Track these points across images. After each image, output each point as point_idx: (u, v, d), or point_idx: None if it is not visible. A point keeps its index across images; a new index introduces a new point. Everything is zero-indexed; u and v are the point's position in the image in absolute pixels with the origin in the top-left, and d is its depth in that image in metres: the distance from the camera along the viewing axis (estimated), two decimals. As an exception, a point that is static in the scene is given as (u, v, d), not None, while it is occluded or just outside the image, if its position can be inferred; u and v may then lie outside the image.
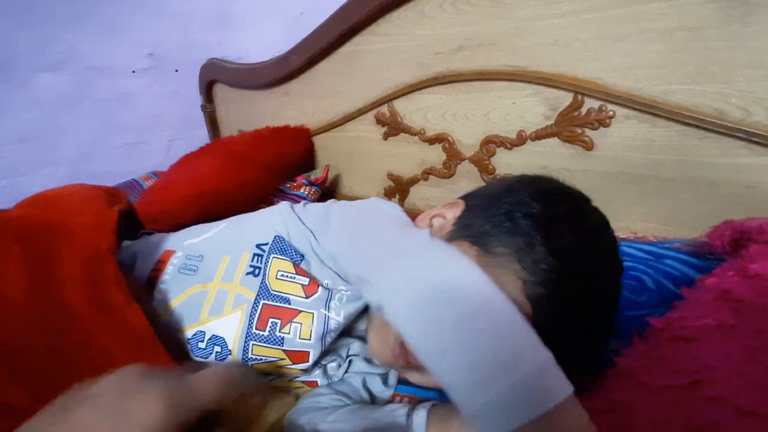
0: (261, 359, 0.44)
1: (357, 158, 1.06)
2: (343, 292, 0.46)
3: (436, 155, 0.89)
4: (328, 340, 0.45)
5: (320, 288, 0.45)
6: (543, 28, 0.66)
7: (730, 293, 0.32)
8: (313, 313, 0.44)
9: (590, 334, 0.37)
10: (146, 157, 1.57)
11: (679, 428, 0.28)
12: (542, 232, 0.37)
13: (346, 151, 1.08)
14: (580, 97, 0.65)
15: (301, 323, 0.44)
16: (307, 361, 0.44)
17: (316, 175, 1.02)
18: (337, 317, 0.44)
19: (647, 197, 0.63)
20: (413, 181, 0.95)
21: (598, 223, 0.41)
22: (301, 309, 0.44)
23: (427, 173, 0.92)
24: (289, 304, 0.44)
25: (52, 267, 0.38)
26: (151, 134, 1.54)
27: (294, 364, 0.44)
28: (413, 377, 0.42)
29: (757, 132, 0.52)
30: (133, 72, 1.49)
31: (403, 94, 0.90)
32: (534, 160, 0.73)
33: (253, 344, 0.43)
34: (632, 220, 0.65)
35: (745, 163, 0.55)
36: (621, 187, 0.65)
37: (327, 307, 0.45)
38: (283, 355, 0.44)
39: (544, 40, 0.67)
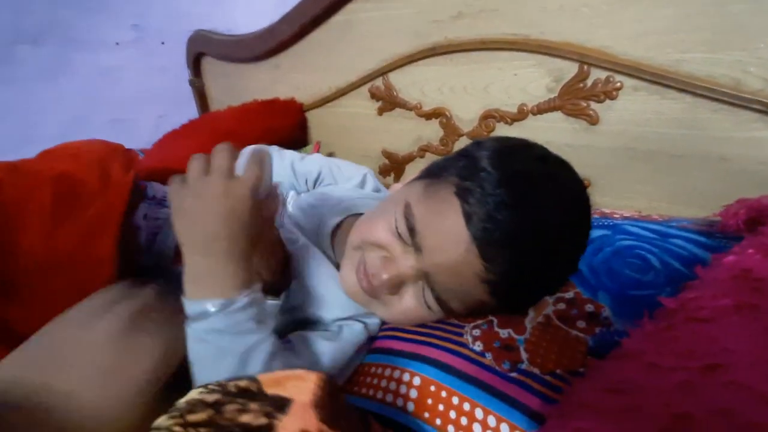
0: None
1: (351, 134, 1.02)
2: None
3: (432, 131, 0.85)
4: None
5: None
6: (548, -8, 0.62)
7: (751, 272, 0.30)
8: None
9: (540, 257, 0.37)
10: (133, 134, 1.51)
11: (694, 412, 0.25)
12: (491, 156, 0.39)
13: (340, 127, 1.04)
14: (586, 67, 0.61)
15: None
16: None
17: (307, 152, 0.98)
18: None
19: (654, 174, 0.60)
20: (409, 158, 0.92)
21: (554, 158, 0.42)
22: None
23: (423, 150, 0.88)
24: None
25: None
26: (137, 110, 1.48)
27: None
28: (379, 310, 0.45)
29: (775, 103, 0.49)
30: (117, 44, 1.42)
31: (399, 67, 0.85)
32: (535, 136, 0.68)
33: None
34: (637, 198, 0.62)
35: (760, 137, 0.52)
36: (627, 163, 0.62)
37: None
38: None
39: (549, 5, 0.62)
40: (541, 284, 0.41)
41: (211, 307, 0.35)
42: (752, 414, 0.22)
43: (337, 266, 0.51)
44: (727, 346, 0.26)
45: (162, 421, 0.23)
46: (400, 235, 0.41)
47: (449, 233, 0.37)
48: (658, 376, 0.26)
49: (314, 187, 0.71)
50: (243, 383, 0.26)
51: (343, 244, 0.51)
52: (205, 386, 0.26)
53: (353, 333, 0.47)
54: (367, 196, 0.66)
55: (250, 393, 0.25)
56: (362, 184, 0.69)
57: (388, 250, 0.42)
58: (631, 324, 0.39)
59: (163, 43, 1.47)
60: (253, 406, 0.24)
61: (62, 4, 1.28)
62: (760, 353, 0.25)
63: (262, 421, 0.23)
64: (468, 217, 0.37)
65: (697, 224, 0.51)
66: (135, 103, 1.46)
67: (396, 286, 0.41)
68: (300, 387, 0.26)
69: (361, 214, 0.55)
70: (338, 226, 0.55)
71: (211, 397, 0.25)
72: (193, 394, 0.25)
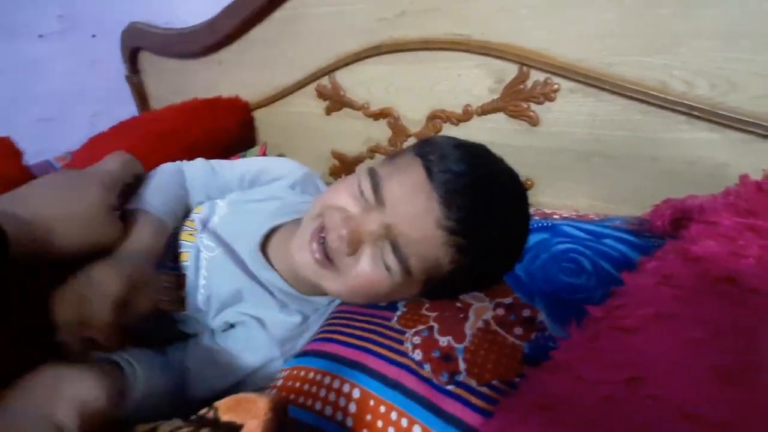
0: None
1: (299, 135, 0.98)
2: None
3: (381, 131, 0.83)
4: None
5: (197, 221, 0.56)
6: (489, -8, 0.62)
7: (671, 278, 0.30)
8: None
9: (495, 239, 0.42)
10: (64, 134, 1.39)
11: (617, 428, 0.25)
12: (442, 137, 0.45)
13: (288, 128, 1.00)
14: (525, 69, 0.62)
15: None
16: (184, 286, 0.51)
17: (253, 155, 0.94)
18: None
19: (590, 174, 0.62)
20: (359, 159, 0.90)
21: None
22: None
23: (372, 151, 0.86)
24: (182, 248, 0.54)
25: None
26: (68, 108, 1.36)
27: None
28: (330, 283, 0.45)
29: (698, 105, 0.51)
30: (41, 36, 1.30)
31: (345, 65, 0.83)
32: (480, 136, 0.67)
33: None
34: (576, 198, 0.63)
35: (686, 138, 0.54)
36: (565, 164, 0.63)
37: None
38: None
39: (490, 5, 0.62)
40: (491, 248, 0.42)
41: None
42: (669, 429, 0.22)
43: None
44: (649, 357, 0.26)
45: None
46: (363, 196, 0.43)
47: (412, 184, 0.41)
48: (584, 390, 0.26)
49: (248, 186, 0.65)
50: (202, 411, 0.27)
51: (280, 248, 0.52)
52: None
53: (251, 339, 0.49)
54: (297, 201, 0.61)
55: (205, 420, 0.26)
56: (294, 186, 0.63)
57: (347, 210, 0.43)
58: (564, 330, 0.39)
59: (94, 35, 1.36)
60: (205, 429, 0.25)
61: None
62: (678, 364, 0.25)
63: None
64: (428, 171, 0.41)
65: (628, 223, 0.52)
66: (64, 100, 1.35)
67: (355, 243, 0.41)
68: (251, 412, 0.26)
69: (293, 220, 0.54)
70: (269, 235, 0.53)
71: (169, 426, 0.27)
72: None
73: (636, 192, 0.60)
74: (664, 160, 0.56)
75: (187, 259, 0.52)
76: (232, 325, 0.51)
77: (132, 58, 1.31)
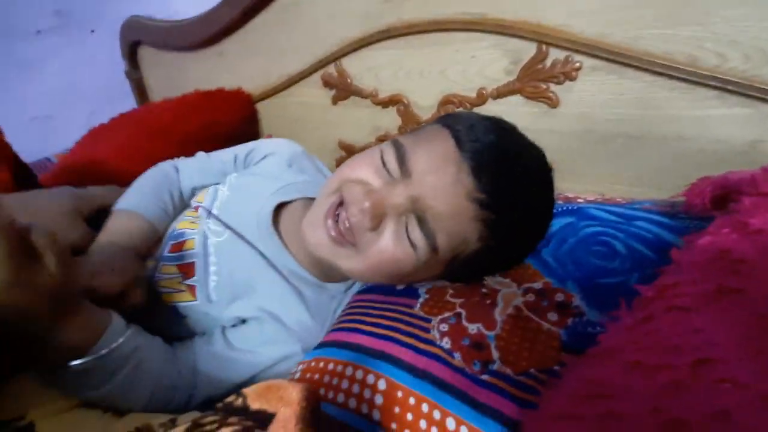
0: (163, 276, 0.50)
1: (304, 126, 0.96)
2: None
3: (390, 119, 0.80)
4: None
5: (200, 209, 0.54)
6: (503, -32, 0.59)
7: (729, 253, 0.28)
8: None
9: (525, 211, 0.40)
10: (63, 132, 1.36)
11: (688, 416, 0.22)
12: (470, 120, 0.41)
13: (292, 119, 0.97)
14: (544, 47, 0.59)
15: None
16: (194, 275, 0.49)
17: (258, 145, 0.91)
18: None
19: (614, 156, 0.59)
20: (367, 149, 0.87)
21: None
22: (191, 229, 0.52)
23: (381, 140, 0.84)
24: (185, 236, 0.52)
25: None
26: (65, 107, 1.34)
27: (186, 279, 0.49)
28: (347, 261, 0.41)
29: (731, 79, 0.48)
30: (38, 33, 1.28)
31: (352, 51, 0.80)
32: None
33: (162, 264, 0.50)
34: (600, 182, 0.61)
35: (716, 115, 0.51)
36: (587, 146, 0.60)
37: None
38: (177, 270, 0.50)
39: (504, -18, 0.60)
40: (519, 225, 0.40)
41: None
42: (752, 417, 0.19)
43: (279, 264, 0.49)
44: (714, 338, 0.23)
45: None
46: (387, 169, 0.40)
47: (441, 154, 0.38)
48: (642, 377, 0.24)
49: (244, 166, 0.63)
50: (230, 398, 0.26)
51: (291, 229, 0.50)
52: None
53: (262, 326, 0.46)
54: (297, 180, 0.57)
55: (233, 408, 0.25)
56: (290, 163, 0.60)
57: (370, 183, 0.40)
58: (604, 314, 0.37)
59: (92, 31, 1.34)
60: (233, 419, 0.23)
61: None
62: (750, 345, 0.22)
63: None
64: (458, 140, 0.38)
65: (659, 205, 0.49)
66: (62, 98, 1.32)
67: (378, 217, 0.38)
68: (284, 399, 0.24)
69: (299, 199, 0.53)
70: (278, 211, 0.52)
71: (189, 417, 0.25)
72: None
73: (663, 174, 0.57)
74: (693, 140, 0.54)
75: (194, 246, 0.50)
76: (243, 321, 0.48)
77: (131, 52, 1.28)
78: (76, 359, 0.34)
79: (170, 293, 0.49)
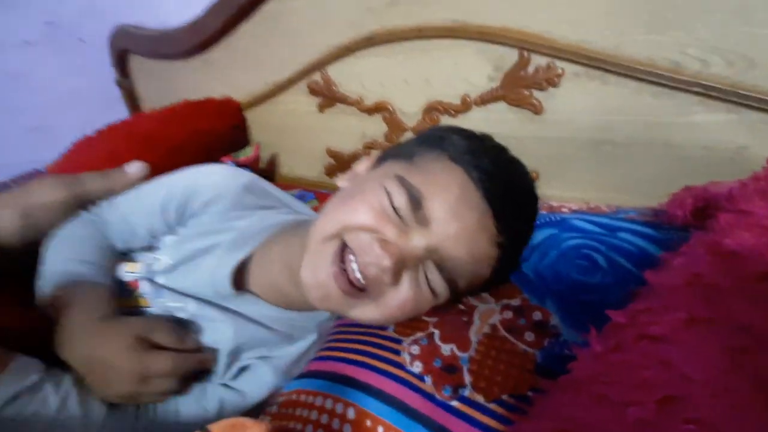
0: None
1: (292, 134, 0.95)
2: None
3: (377, 127, 0.80)
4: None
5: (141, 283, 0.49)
6: (484, -26, 0.58)
7: (702, 277, 0.26)
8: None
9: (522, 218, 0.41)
10: (57, 143, 1.36)
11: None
12: (457, 132, 0.42)
13: (280, 126, 0.97)
14: (526, 54, 0.58)
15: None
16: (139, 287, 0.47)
17: (246, 155, 0.91)
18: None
19: (600, 163, 0.58)
20: (355, 156, 0.86)
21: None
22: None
23: (369, 147, 0.83)
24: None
25: None
26: (59, 116, 1.33)
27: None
28: (359, 312, 0.38)
29: (714, 85, 0.47)
30: (27, 43, 1.27)
31: (337, 59, 0.79)
32: (480, 128, 0.65)
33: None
34: (585, 189, 0.60)
35: (701, 121, 0.50)
36: (573, 153, 0.59)
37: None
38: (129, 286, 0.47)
39: (485, -12, 0.59)
40: (524, 245, 0.43)
41: None
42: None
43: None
44: (685, 372, 0.22)
45: None
46: (396, 212, 0.36)
47: (462, 199, 0.36)
48: (610, 413, 0.23)
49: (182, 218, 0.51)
50: None
51: (257, 272, 0.46)
52: None
53: (258, 378, 0.43)
54: (253, 223, 0.49)
55: None
56: (236, 206, 0.50)
57: (381, 231, 0.36)
58: (581, 334, 0.36)
59: (82, 40, 1.33)
60: None
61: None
62: (718, 382, 0.21)
63: None
64: (475, 181, 0.36)
65: (644, 215, 0.48)
66: (54, 108, 1.32)
67: (399, 273, 0.35)
68: None
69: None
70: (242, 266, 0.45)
71: None
72: None
73: (649, 181, 0.56)
74: (679, 146, 0.53)
75: None
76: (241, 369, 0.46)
77: (121, 61, 1.28)
78: None
79: None
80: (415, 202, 0.35)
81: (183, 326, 0.44)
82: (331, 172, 0.92)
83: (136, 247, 0.50)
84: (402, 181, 0.36)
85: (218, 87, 1.03)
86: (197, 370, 0.42)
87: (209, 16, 0.95)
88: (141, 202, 0.50)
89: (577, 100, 0.56)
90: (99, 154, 0.77)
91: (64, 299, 0.41)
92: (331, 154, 0.90)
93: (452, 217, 0.35)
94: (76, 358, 0.39)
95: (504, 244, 0.37)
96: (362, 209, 0.36)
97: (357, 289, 0.36)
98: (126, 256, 0.50)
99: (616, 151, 0.56)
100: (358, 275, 0.36)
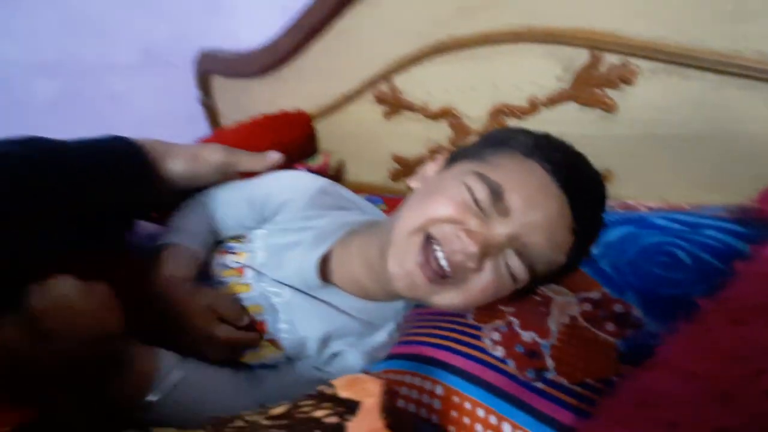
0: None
1: (359, 141, 1.01)
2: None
3: (442, 132, 0.83)
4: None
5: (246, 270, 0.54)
6: (551, -23, 0.59)
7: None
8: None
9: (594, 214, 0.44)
10: (148, 157, 1.54)
11: (738, 426, 0.22)
12: (524, 132, 0.45)
13: (348, 135, 1.03)
14: (597, 53, 0.58)
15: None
16: (266, 331, 0.50)
17: (317, 163, 0.97)
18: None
19: (680, 160, 0.56)
20: (419, 161, 0.89)
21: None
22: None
23: (433, 152, 0.86)
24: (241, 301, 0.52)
25: None
26: (149, 133, 1.49)
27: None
28: (442, 297, 0.41)
29: (809, 75, 0.45)
30: (128, 69, 1.46)
31: (403, 68, 0.83)
32: (549, 129, 0.66)
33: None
34: (664, 187, 0.58)
35: (794, 112, 0.48)
36: (650, 151, 0.58)
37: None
38: (235, 272, 0.52)
39: (553, -9, 0.60)
40: (596, 233, 0.45)
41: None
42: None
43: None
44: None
45: (253, 416, 0.28)
46: (477, 204, 0.39)
47: (540, 189, 0.39)
48: (697, 387, 0.24)
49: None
50: (321, 387, 0.28)
51: (339, 265, 0.50)
52: None
53: (348, 362, 0.47)
54: (330, 222, 0.54)
55: (325, 395, 0.28)
56: (312, 206, 0.56)
57: (465, 222, 0.39)
58: (664, 325, 0.36)
59: (171, 65, 1.50)
60: (326, 404, 0.27)
61: (74, 34, 1.32)
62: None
63: (333, 420, 0.25)
64: (551, 173, 0.39)
65: (730, 212, 0.47)
66: (147, 126, 1.46)
67: (483, 260, 0.39)
68: (367, 391, 0.27)
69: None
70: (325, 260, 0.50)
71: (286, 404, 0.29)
72: None
73: (733, 177, 0.54)
74: (766, 140, 0.50)
75: (261, 310, 0.50)
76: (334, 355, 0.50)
77: (204, 82, 1.43)
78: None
79: (251, 353, 0.49)
80: (496, 194, 0.38)
81: (244, 308, 0.50)
82: (397, 177, 0.96)
83: (229, 234, 0.59)
84: (481, 177, 0.40)
85: (289, 101, 1.12)
86: (246, 345, 0.49)
87: (283, 37, 1.04)
88: (234, 195, 0.58)
89: (655, 97, 0.55)
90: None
91: (163, 256, 0.51)
92: (397, 159, 0.94)
93: (532, 207, 0.38)
94: (161, 306, 0.47)
95: (579, 231, 0.40)
96: (446, 203, 0.40)
97: (441, 277, 0.39)
98: (221, 244, 0.58)
99: (697, 146, 0.54)
100: (444, 263, 0.39)
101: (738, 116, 0.51)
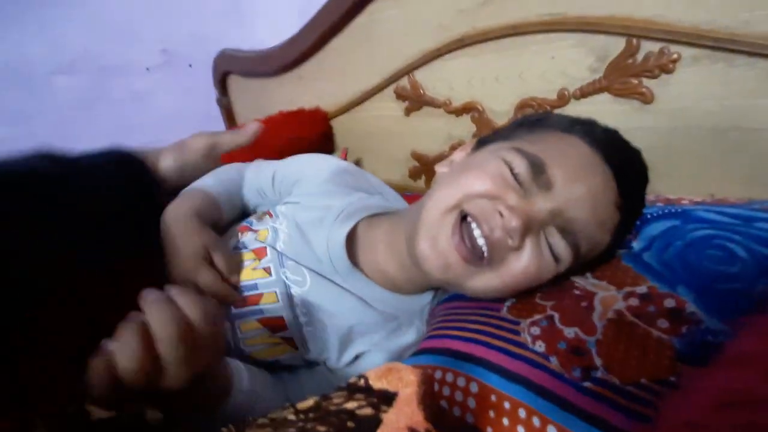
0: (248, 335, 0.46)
1: (378, 139, 0.99)
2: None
3: (464, 127, 0.80)
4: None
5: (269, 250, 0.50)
6: (585, -35, 0.57)
7: None
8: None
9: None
10: (165, 155, 1.54)
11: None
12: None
13: (366, 132, 1.01)
14: (635, 41, 0.55)
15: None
16: (286, 329, 0.46)
17: (335, 158, 0.96)
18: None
19: (725, 153, 0.53)
20: (440, 158, 0.87)
21: None
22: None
23: (454, 148, 0.83)
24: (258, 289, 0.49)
25: None
26: (169, 132, 1.49)
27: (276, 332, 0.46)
28: (478, 282, 0.38)
29: None
30: (147, 69, 1.47)
31: (425, 63, 0.82)
32: None
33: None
34: (708, 182, 0.54)
35: None
36: (691, 143, 0.55)
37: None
38: (253, 255, 0.49)
39: (587, -22, 0.57)
40: (639, 214, 0.44)
41: None
42: None
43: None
44: None
45: (278, 412, 0.25)
46: (516, 179, 0.37)
47: (584, 162, 0.37)
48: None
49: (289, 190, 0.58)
50: (352, 380, 0.26)
51: (370, 249, 0.48)
52: None
53: (374, 365, 0.43)
54: (353, 200, 0.52)
55: (357, 387, 0.26)
56: (338, 177, 0.55)
57: (503, 198, 0.36)
58: (726, 321, 0.33)
59: (190, 65, 1.51)
60: (358, 396, 0.25)
61: (95, 34, 1.34)
62: None
63: (368, 411, 0.23)
64: (592, 143, 0.38)
65: (786, 205, 0.43)
66: (166, 124, 1.49)
67: (524, 236, 0.36)
68: (403, 380, 0.24)
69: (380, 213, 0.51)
70: (352, 233, 0.47)
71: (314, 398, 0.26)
72: None
73: (785, 171, 0.50)
74: (825, 130, 0.47)
75: (276, 299, 0.46)
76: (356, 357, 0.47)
77: (222, 82, 1.43)
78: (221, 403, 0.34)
79: (264, 349, 0.46)
80: (537, 168, 0.36)
81: (240, 266, 0.48)
82: (415, 174, 0.94)
83: (252, 207, 0.61)
84: (520, 151, 0.38)
85: (307, 99, 1.11)
86: (222, 300, 0.45)
87: (301, 35, 1.03)
88: (259, 172, 0.61)
89: (697, 86, 0.52)
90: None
91: (181, 194, 0.53)
92: (416, 156, 0.92)
93: (576, 180, 0.36)
94: (163, 228, 0.46)
95: (624, 208, 0.38)
96: (483, 177, 0.38)
97: (478, 258, 0.37)
98: (241, 220, 0.56)
99: (745, 137, 0.51)
100: (481, 241, 0.37)
101: (790, 105, 0.48)
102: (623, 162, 0.38)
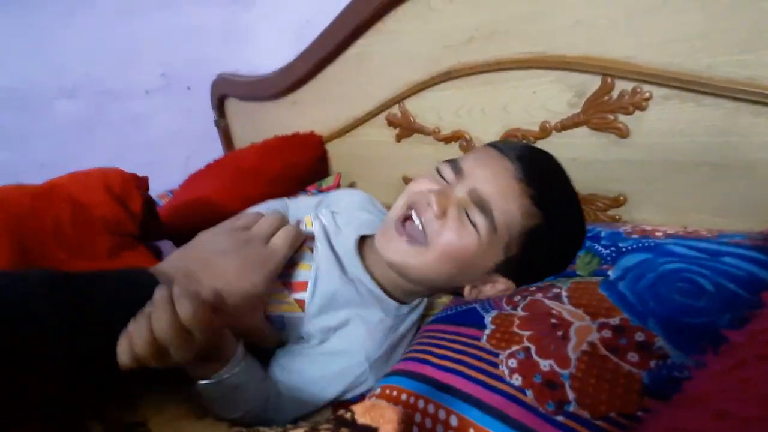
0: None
1: (370, 163, 1.02)
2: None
3: (452, 154, 0.82)
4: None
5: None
6: (561, 8, 0.60)
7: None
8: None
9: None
10: (163, 175, 1.56)
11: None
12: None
13: (359, 157, 1.04)
14: (609, 80, 0.59)
15: None
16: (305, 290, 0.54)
17: (328, 184, 0.98)
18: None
19: (697, 186, 0.56)
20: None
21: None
22: None
23: (444, 175, 0.86)
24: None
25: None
26: (167, 152, 1.54)
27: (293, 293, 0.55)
28: (419, 259, 0.49)
29: (827, 102, 0.45)
30: (147, 92, 1.50)
31: (415, 93, 0.85)
32: (561, 152, 0.65)
33: None
34: (681, 213, 0.57)
35: (812, 139, 0.47)
36: (665, 176, 0.58)
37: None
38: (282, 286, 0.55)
39: (563, 22, 0.61)
40: (559, 208, 0.50)
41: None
42: None
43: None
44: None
45: None
46: (444, 179, 0.51)
47: (488, 155, 0.51)
48: (733, 428, 0.23)
49: None
50: (340, 412, 0.29)
51: (373, 254, 0.56)
52: None
53: (352, 333, 0.52)
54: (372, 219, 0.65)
55: (343, 420, 0.28)
56: (363, 206, 0.69)
57: (433, 192, 0.49)
58: (689, 357, 0.35)
59: (189, 88, 1.54)
60: (344, 429, 0.27)
61: (96, 59, 1.37)
62: None
63: None
64: (498, 148, 0.51)
65: (751, 239, 0.46)
66: (164, 145, 1.53)
67: (442, 206, 0.47)
68: (384, 417, 0.27)
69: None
70: (362, 244, 0.58)
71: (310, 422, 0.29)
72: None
73: (752, 204, 0.53)
74: (787, 166, 0.50)
75: (310, 268, 0.56)
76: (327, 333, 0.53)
77: (219, 104, 1.46)
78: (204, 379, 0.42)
79: (278, 304, 0.54)
80: (456, 166, 0.50)
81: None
82: (407, 198, 0.96)
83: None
84: (449, 161, 0.52)
85: (302, 123, 1.14)
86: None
87: (298, 62, 1.07)
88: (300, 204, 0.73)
89: (668, 122, 0.55)
90: (211, 185, 0.89)
91: None
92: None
93: (480, 165, 0.49)
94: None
95: (524, 179, 0.47)
96: (420, 182, 0.53)
97: (414, 238, 0.49)
98: None
99: (715, 172, 0.54)
100: (417, 222, 0.49)
101: (754, 142, 0.51)
102: (523, 153, 0.50)
